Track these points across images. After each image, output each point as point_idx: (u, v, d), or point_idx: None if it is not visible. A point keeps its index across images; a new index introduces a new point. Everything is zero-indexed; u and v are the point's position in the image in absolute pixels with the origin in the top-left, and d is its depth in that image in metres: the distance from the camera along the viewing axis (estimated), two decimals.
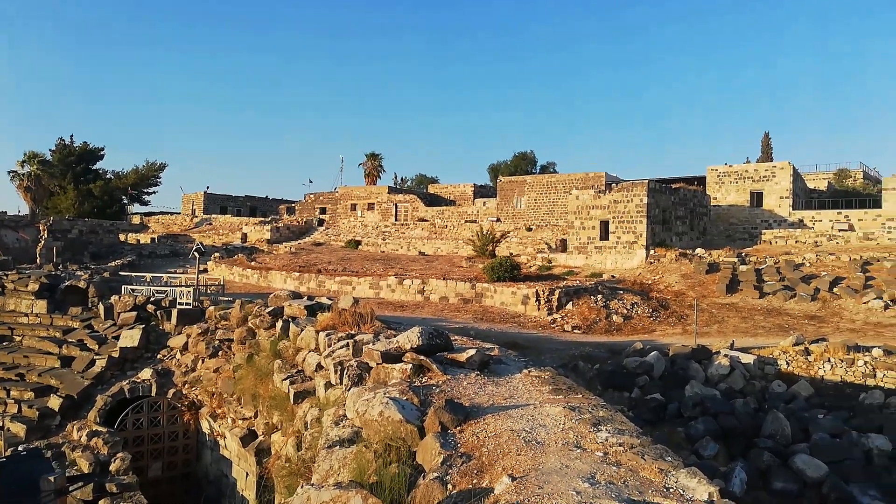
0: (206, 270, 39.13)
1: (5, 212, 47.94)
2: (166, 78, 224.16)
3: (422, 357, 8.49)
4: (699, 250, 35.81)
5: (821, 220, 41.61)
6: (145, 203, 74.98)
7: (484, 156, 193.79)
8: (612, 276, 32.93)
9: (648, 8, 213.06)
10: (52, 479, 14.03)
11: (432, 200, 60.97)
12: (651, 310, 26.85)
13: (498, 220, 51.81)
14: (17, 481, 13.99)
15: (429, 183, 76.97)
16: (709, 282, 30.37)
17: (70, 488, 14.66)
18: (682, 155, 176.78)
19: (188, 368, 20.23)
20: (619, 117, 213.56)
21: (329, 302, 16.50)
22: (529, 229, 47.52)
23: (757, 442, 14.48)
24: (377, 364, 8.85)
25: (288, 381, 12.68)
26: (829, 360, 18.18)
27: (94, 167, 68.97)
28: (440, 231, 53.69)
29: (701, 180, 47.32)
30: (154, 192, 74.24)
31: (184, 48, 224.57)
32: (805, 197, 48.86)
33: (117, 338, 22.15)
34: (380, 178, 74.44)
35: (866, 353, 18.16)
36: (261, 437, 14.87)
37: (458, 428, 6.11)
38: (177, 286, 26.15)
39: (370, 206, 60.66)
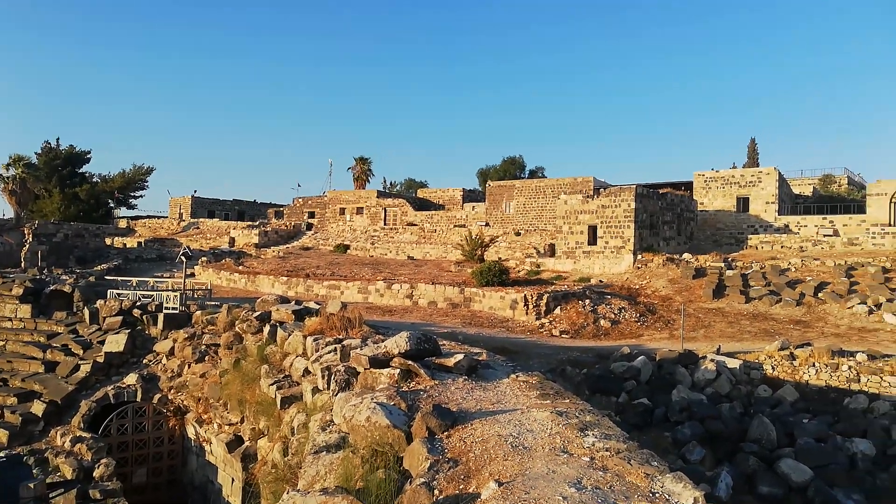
0: (193, 275, 38.88)
1: None
2: (154, 81, 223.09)
3: (410, 362, 8.49)
4: (686, 255, 36.03)
5: (806, 226, 42.02)
6: (132, 207, 74.52)
7: (473, 160, 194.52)
8: (600, 281, 33.05)
9: (638, 12, 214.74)
10: (31, 486, 13.86)
11: (421, 205, 60.97)
12: (638, 314, 26.97)
13: (487, 224, 51.88)
14: None
15: (418, 187, 76.92)
16: (696, 287, 30.56)
17: (50, 495, 14.48)
18: (669, 160, 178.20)
19: (174, 373, 20.07)
20: (607, 122, 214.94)
21: (317, 306, 16.45)
22: (518, 234, 47.61)
23: (743, 446, 14.58)
24: (365, 369, 8.84)
25: (275, 386, 12.62)
26: (814, 365, 18.33)
27: (80, 170, 68.38)
28: (429, 235, 53.69)
29: (688, 185, 47.67)
30: (141, 196, 73.81)
31: (172, 51, 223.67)
32: (791, 202, 49.33)
33: (102, 343, 21.94)
34: (369, 182, 74.40)
35: (850, 358, 18.33)
36: (247, 443, 14.77)
37: (446, 433, 6.11)
38: (163, 290, 25.96)
39: (359, 211, 60.56)
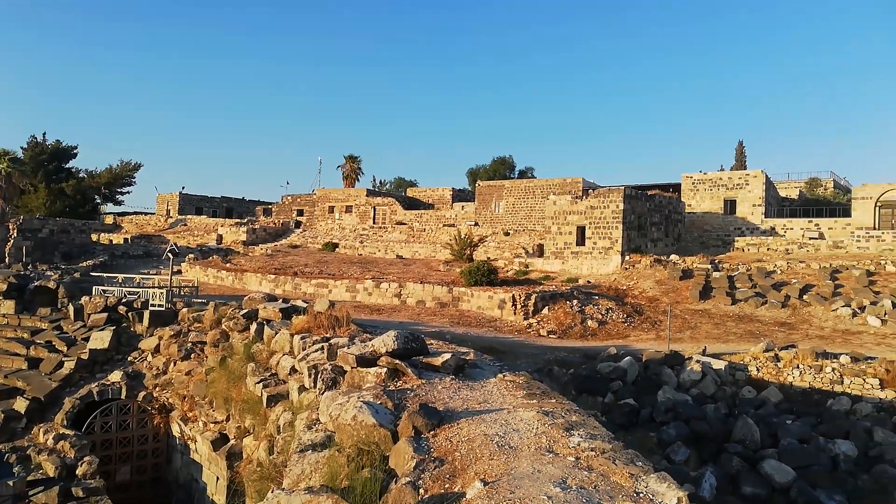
0: (179, 272, 38.65)
1: None
2: (141, 78, 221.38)
3: (397, 361, 8.47)
4: (673, 256, 36.25)
5: (792, 229, 42.41)
6: (119, 203, 73.88)
7: (463, 160, 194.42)
8: (588, 282, 33.17)
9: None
10: (10, 483, 13.69)
11: (411, 204, 60.91)
12: (625, 315, 27.10)
13: (476, 224, 51.92)
14: None
15: (407, 186, 76.84)
16: (682, 288, 30.75)
17: (30, 493, 14.32)
18: (658, 162, 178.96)
19: (159, 371, 19.93)
20: (600, 123, 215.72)
21: (304, 305, 16.39)
22: (507, 234, 47.69)
23: (727, 447, 14.69)
24: (352, 368, 8.82)
25: (261, 384, 12.56)
26: (798, 367, 18.49)
27: (66, 166, 67.69)
28: (418, 235, 53.66)
29: (676, 187, 47.95)
30: (128, 192, 73.24)
31: (161, 49, 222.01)
32: (777, 205, 49.75)
33: (87, 339, 21.75)
34: (358, 180, 74.16)
35: (834, 360, 18.51)
36: (232, 441, 14.69)
37: (432, 432, 6.10)
38: (149, 287, 25.79)
39: (348, 209, 60.40)
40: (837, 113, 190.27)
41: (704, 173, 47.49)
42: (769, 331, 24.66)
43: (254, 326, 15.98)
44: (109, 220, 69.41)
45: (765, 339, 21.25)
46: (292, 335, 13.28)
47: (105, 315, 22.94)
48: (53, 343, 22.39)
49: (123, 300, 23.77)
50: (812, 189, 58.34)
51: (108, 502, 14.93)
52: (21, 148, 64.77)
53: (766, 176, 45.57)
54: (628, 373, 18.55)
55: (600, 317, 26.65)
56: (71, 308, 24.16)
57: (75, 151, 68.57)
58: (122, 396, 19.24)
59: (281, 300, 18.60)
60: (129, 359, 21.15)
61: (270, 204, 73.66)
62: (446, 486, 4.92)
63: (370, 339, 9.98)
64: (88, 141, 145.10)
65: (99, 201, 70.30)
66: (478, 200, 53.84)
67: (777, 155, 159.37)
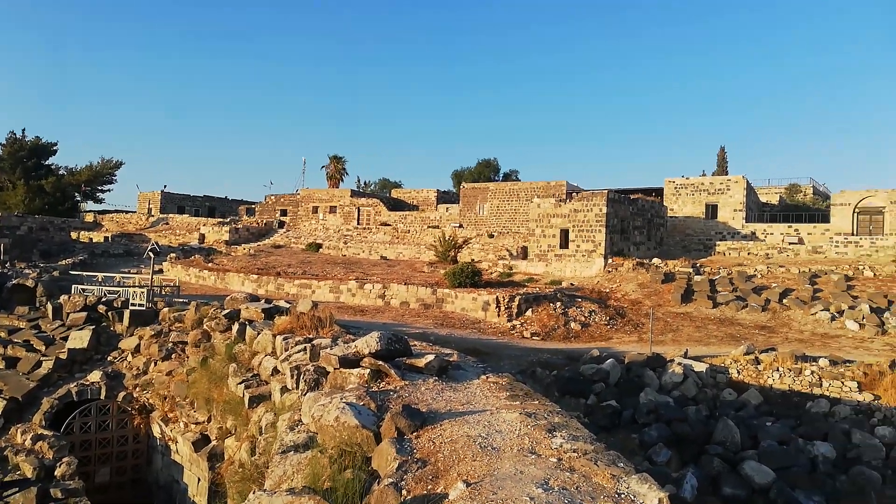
0: (161, 271, 38.26)
1: None
2: (124, 75, 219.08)
3: (380, 362, 8.46)
4: (656, 260, 36.53)
5: (772, 233, 42.95)
6: (99, 201, 72.94)
7: (448, 161, 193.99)
8: (572, 284, 33.33)
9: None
10: None
11: (395, 205, 60.86)
12: (608, 318, 27.26)
13: (460, 226, 51.98)
14: None
15: (392, 187, 76.74)
16: (664, 291, 31.00)
17: (6, 494, 14.11)
18: (641, 166, 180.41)
19: (140, 371, 19.73)
20: (581, 126, 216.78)
21: (287, 305, 16.32)
22: (491, 236, 47.80)
23: (708, 448, 14.83)
24: (335, 369, 8.79)
25: (243, 385, 12.49)
26: (777, 370, 18.72)
27: (46, 163, 66.73)
28: (402, 236, 53.60)
29: (659, 191, 48.37)
30: (109, 191, 72.27)
31: (143, 46, 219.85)
32: (758, 210, 50.37)
33: (66, 339, 21.46)
34: (342, 181, 73.90)
35: (813, 363, 18.76)
36: (214, 442, 14.58)
37: (415, 433, 6.10)
38: (130, 286, 25.50)
39: (332, 209, 60.19)
40: (818, 120, 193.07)
41: (687, 178, 47.96)
42: (750, 334, 24.93)
43: (236, 327, 15.88)
44: (90, 218, 68.59)
45: (745, 342, 21.49)
46: (275, 336, 13.22)
47: (84, 314, 22.66)
48: (31, 342, 22.06)
49: (103, 299, 23.49)
50: (792, 195, 59.15)
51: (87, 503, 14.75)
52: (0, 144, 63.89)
53: (748, 181, 46.12)
54: (611, 375, 18.66)
55: (583, 319, 26.79)
56: (49, 307, 23.83)
57: (55, 148, 67.68)
58: (102, 397, 19.01)
59: (263, 300, 18.50)
60: (109, 359, 20.91)
61: (254, 204, 73.21)
62: (429, 487, 4.92)
63: (353, 340, 9.95)
64: (68, 138, 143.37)
65: (79, 199, 69.43)
66: (462, 202, 53.92)
67: (758, 161, 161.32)
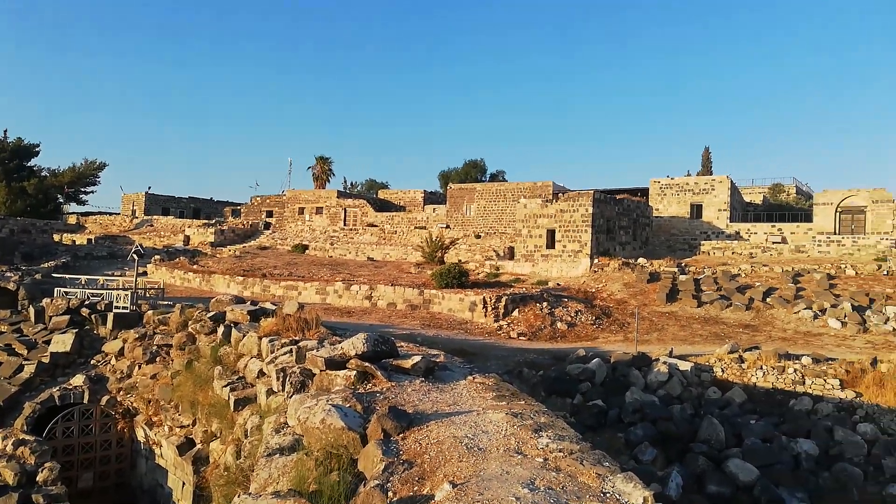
0: (145, 273, 37.95)
1: None
2: (108, 77, 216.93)
3: (366, 364, 8.44)
4: (641, 260, 36.74)
5: (756, 233, 43.34)
6: (82, 203, 72.25)
7: (435, 162, 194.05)
8: (558, 284, 33.45)
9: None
10: None
11: (382, 206, 60.74)
12: (594, 317, 27.38)
13: (447, 226, 51.98)
14: None
15: (379, 188, 76.57)
16: (650, 291, 31.19)
17: None
18: (626, 166, 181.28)
19: (123, 375, 19.54)
20: (567, 127, 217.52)
21: (273, 307, 16.25)
22: (478, 236, 47.85)
23: (693, 447, 14.93)
24: (321, 371, 8.76)
25: (228, 387, 12.42)
26: (761, 368, 18.89)
27: (28, 164, 65.96)
28: (389, 237, 53.53)
29: (644, 192, 48.65)
30: (92, 192, 71.71)
31: (126, 50, 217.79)
32: (742, 210, 50.81)
33: (48, 342, 21.21)
34: (329, 181, 73.62)
35: (796, 361, 18.96)
36: (199, 446, 14.48)
37: (401, 435, 6.10)
38: (114, 289, 25.27)
39: (318, 211, 59.96)
40: (801, 120, 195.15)
41: (672, 178, 48.29)
42: (734, 332, 25.15)
43: (221, 329, 15.78)
44: (72, 220, 67.85)
45: (729, 341, 21.66)
46: (260, 338, 13.15)
47: (67, 317, 22.40)
48: (13, 346, 21.77)
49: (86, 302, 23.24)
50: (775, 195, 59.75)
51: None
52: None
53: (732, 181, 46.53)
54: (597, 374, 18.74)
55: (570, 319, 26.89)
56: (31, 310, 23.55)
57: (37, 150, 66.92)
58: (85, 401, 18.82)
59: (249, 302, 18.40)
60: (92, 362, 20.69)
61: (239, 205, 72.79)
62: (415, 488, 4.92)
63: (340, 342, 9.92)
64: (51, 139, 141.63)
65: (62, 201, 68.68)
66: (449, 203, 53.93)
67: (742, 161, 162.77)
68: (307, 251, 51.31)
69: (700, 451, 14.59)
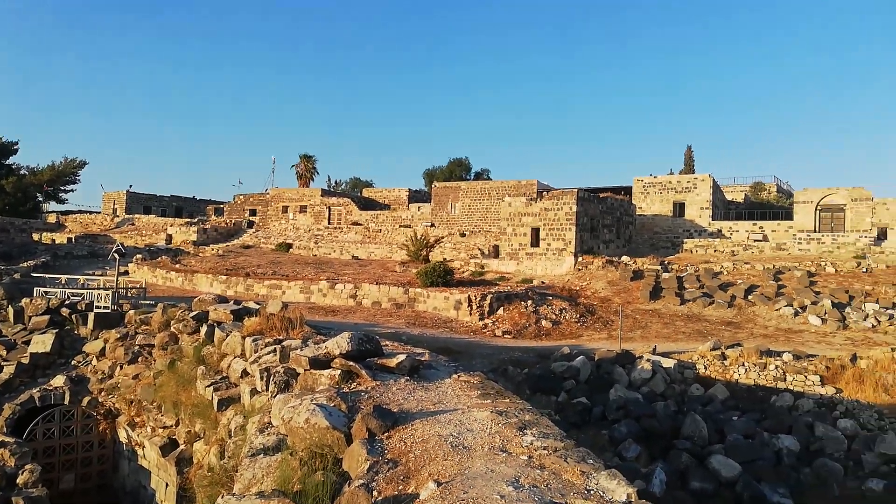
0: (126, 272, 37.53)
1: None
2: (90, 75, 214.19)
3: (351, 363, 8.42)
4: (625, 258, 36.98)
5: (738, 231, 43.79)
6: (62, 201, 71.39)
7: (419, 161, 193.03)
8: (543, 282, 33.56)
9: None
10: None
11: (366, 204, 60.55)
12: (579, 315, 27.51)
13: (432, 225, 51.94)
14: None
15: (363, 186, 76.29)
16: (633, 288, 31.40)
17: None
18: (610, 165, 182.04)
19: (105, 375, 19.34)
20: (551, 126, 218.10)
21: (257, 306, 16.15)
22: (463, 235, 47.89)
23: (676, 443, 15.06)
24: (305, 370, 8.73)
25: (212, 387, 12.33)
26: (743, 365, 19.09)
27: (6, 162, 65.05)
28: (374, 235, 53.40)
29: (627, 190, 48.98)
30: (72, 191, 70.88)
31: (108, 50, 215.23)
32: (724, 208, 51.28)
33: (28, 343, 20.93)
34: (313, 180, 73.24)
35: (777, 358, 19.17)
36: (182, 447, 14.37)
37: (386, 434, 6.09)
38: (94, 289, 24.96)
39: (302, 209, 59.66)
40: (782, 119, 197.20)
41: (655, 177, 48.62)
42: (716, 330, 25.39)
43: (204, 329, 15.67)
44: (52, 218, 66.97)
45: (712, 338, 21.87)
46: (244, 337, 13.07)
47: (47, 317, 22.12)
48: None
49: (67, 302, 22.95)
50: (757, 193, 60.35)
51: None
52: None
53: (714, 180, 46.96)
54: (581, 372, 18.84)
55: (554, 317, 26.99)
56: (10, 310, 23.22)
57: (16, 147, 66.03)
58: (66, 402, 18.61)
59: (232, 302, 18.27)
60: (73, 363, 20.45)
61: (222, 203, 72.21)
62: (400, 487, 4.91)
63: (324, 341, 9.89)
64: (30, 137, 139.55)
65: (41, 199, 67.78)
66: (434, 201, 53.89)
67: (724, 159, 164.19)
68: (291, 250, 51.04)
69: (683, 448, 14.71)
